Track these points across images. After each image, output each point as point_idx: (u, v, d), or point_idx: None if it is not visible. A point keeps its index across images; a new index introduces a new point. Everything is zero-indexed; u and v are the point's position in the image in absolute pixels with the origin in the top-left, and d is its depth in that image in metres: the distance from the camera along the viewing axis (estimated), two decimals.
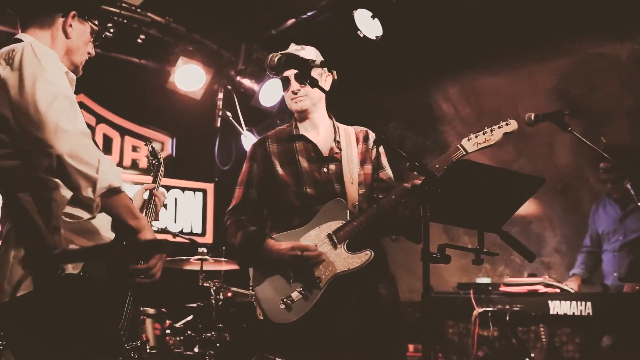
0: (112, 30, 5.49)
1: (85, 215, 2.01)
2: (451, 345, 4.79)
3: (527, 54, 5.86)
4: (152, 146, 3.18)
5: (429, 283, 2.11)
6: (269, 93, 6.23)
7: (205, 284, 4.65)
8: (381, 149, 3.16)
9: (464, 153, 2.84)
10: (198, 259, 4.65)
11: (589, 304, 4.24)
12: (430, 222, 2.19)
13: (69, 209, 2.00)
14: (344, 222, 2.89)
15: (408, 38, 5.57)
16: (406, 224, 2.93)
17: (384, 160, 3.18)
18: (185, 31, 6.02)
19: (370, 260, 2.80)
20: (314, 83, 2.66)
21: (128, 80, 6.25)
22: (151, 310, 4.45)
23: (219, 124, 5.59)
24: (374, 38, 5.21)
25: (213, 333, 4.49)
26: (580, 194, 5.88)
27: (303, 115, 3.13)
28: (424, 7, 5.30)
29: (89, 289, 2.08)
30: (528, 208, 6.10)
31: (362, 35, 5.18)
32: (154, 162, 3.13)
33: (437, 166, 2.81)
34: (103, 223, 2.18)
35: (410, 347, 5.43)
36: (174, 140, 7.03)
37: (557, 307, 4.35)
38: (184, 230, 6.79)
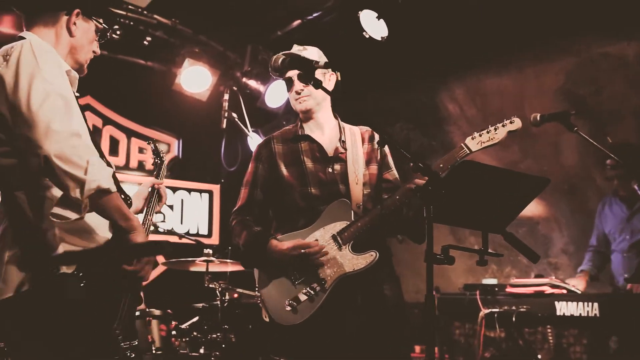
0: (118, 32, 5.51)
1: (73, 215, 2.02)
2: (457, 346, 4.77)
3: (533, 54, 5.84)
4: (154, 144, 3.20)
5: (433, 284, 2.10)
6: (275, 94, 6.25)
7: (211, 285, 4.65)
8: (387, 149, 3.16)
9: (468, 152, 2.82)
10: (204, 260, 4.66)
11: (595, 304, 4.22)
12: (434, 222, 2.18)
13: (57, 209, 2.02)
14: (348, 222, 2.89)
15: (414, 39, 5.57)
16: (410, 225, 2.92)
17: (390, 160, 3.17)
18: (192, 33, 6.03)
19: (376, 261, 2.80)
20: (318, 84, 2.66)
21: (134, 82, 6.27)
22: (157, 312, 4.46)
23: (224, 126, 5.60)
24: (380, 39, 5.22)
25: (219, 334, 4.49)
26: (587, 194, 5.85)
27: (307, 115, 3.12)
28: (429, 7, 5.30)
29: (83, 289, 2.08)
30: (535, 209, 6.08)
31: (367, 36, 5.19)
32: (156, 160, 3.15)
33: (441, 165, 2.81)
34: (99, 223, 2.18)
35: (417, 348, 5.42)
36: (180, 141, 7.06)
37: (564, 308, 4.33)
38: (191, 232, 6.80)
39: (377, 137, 3.14)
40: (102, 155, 2.29)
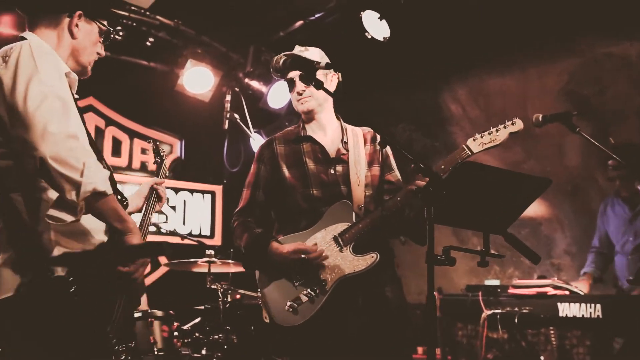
0: (121, 33, 5.52)
1: (68, 218, 2.01)
2: (460, 348, 4.76)
3: (536, 54, 5.83)
4: (155, 144, 3.20)
5: (434, 285, 2.10)
6: (278, 95, 6.25)
7: (213, 286, 4.65)
8: (390, 150, 3.16)
9: (470, 154, 2.82)
10: (206, 261, 4.66)
11: (598, 306, 4.20)
12: (435, 224, 2.18)
13: (53, 211, 2.00)
14: (349, 224, 2.88)
15: (416, 39, 5.56)
16: (412, 226, 2.92)
17: (393, 161, 3.17)
18: (194, 34, 6.04)
19: (376, 263, 2.79)
20: (319, 85, 2.65)
21: (137, 83, 6.28)
22: (159, 312, 4.46)
23: (226, 127, 5.60)
24: (382, 39, 5.22)
25: (221, 335, 4.48)
26: (590, 195, 5.83)
27: (309, 116, 3.12)
28: (431, 8, 5.29)
29: (76, 292, 2.07)
30: (538, 210, 6.07)
31: (369, 37, 5.19)
32: (157, 159, 3.15)
33: (442, 167, 2.80)
34: (95, 226, 2.18)
35: (419, 350, 5.41)
36: (183, 142, 7.07)
37: (567, 310, 4.31)
38: (193, 233, 6.81)
39: (379, 138, 3.13)
40: (101, 158, 2.28)
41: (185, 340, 4.57)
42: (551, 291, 4.50)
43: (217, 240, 6.92)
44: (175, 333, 4.54)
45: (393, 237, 3.19)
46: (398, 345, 2.90)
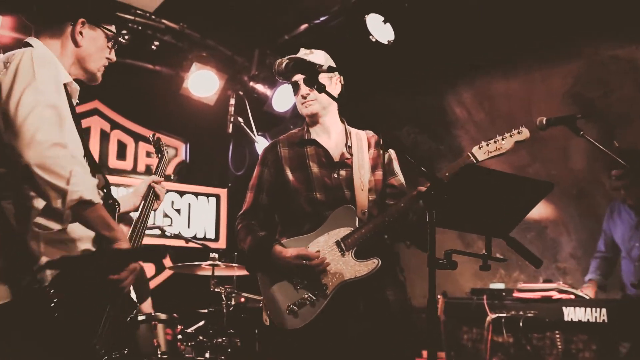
0: (126, 37, 5.54)
1: (55, 226, 2.01)
2: (465, 351, 4.74)
3: (541, 57, 5.81)
4: (157, 138, 3.20)
5: (435, 289, 2.09)
6: (282, 98, 6.25)
7: (216, 290, 4.65)
8: (394, 154, 3.15)
9: (475, 161, 2.81)
10: (209, 265, 4.66)
11: (604, 310, 4.18)
12: (438, 227, 2.17)
13: (40, 219, 2.00)
14: (352, 229, 2.87)
15: (421, 42, 5.56)
16: (415, 231, 2.91)
17: (396, 166, 3.16)
18: (199, 37, 6.06)
19: (378, 269, 2.78)
20: (322, 88, 2.65)
21: (142, 87, 6.30)
22: (163, 316, 4.46)
23: (230, 130, 5.61)
24: (386, 42, 5.22)
25: (224, 338, 4.48)
26: (596, 198, 5.80)
27: (314, 119, 3.12)
28: (436, 11, 5.29)
29: (58, 306, 2.04)
30: (543, 213, 6.05)
31: (374, 40, 5.19)
32: (157, 155, 3.15)
33: (447, 174, 2.79)
34: (83, 235, 2.17)
35: (424, 353, 5.39)
36: (188, 145, 7.08)
37: (572, 314, 4.29)
38: (198, 236, 6.82)
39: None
40: (97, 167, 2.28)
41: (189, 344, 4.57)
42: (556, 295, 4.48)
43: (221, 244, 6.92)
44: (179, 336, 4.54)
45: (397, 241, 3.19)
46: (399, 349, 2.88)
